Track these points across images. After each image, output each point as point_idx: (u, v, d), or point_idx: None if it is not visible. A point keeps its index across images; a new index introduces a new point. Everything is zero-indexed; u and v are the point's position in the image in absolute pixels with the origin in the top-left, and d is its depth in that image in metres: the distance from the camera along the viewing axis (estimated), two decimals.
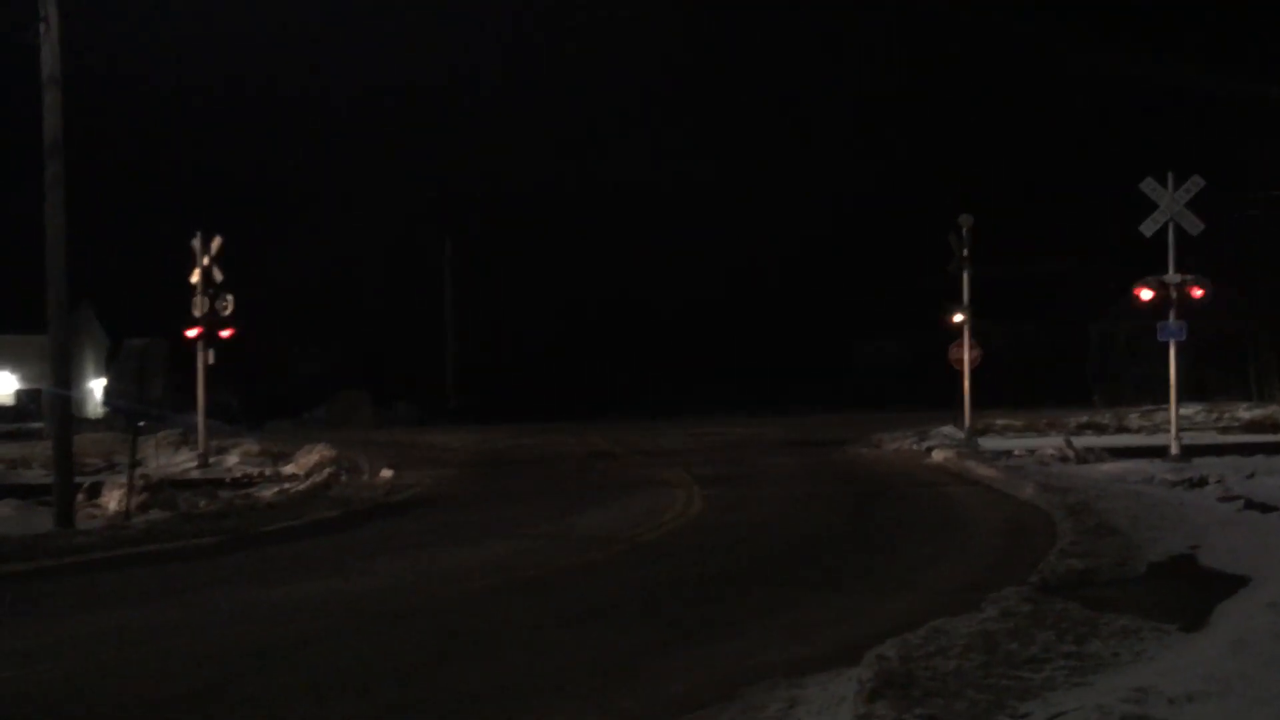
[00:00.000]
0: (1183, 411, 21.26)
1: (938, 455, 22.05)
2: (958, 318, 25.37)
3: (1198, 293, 19.28)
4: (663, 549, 12.08)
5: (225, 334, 23.10)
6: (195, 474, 21.28)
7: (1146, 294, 19.34)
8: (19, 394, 47.55)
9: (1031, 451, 21.23)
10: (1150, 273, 19.49)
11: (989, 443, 23.97)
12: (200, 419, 23.33)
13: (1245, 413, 29.65)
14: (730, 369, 55.29)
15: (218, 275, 22.86)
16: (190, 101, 77.39)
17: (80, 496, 15.31)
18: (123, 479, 15.65)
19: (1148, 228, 19.15)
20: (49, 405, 14.40)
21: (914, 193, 55.85)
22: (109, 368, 59.20)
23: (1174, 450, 19.33)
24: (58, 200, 13.70)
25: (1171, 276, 19.14)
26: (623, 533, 13.19)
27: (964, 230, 24.44)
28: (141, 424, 16.19)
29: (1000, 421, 28.85)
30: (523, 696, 6.51)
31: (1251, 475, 15.54)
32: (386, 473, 20.50)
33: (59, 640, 8.25)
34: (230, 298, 22.82)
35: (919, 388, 41.04)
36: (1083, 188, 55.11)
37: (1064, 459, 19.81)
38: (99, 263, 42.51)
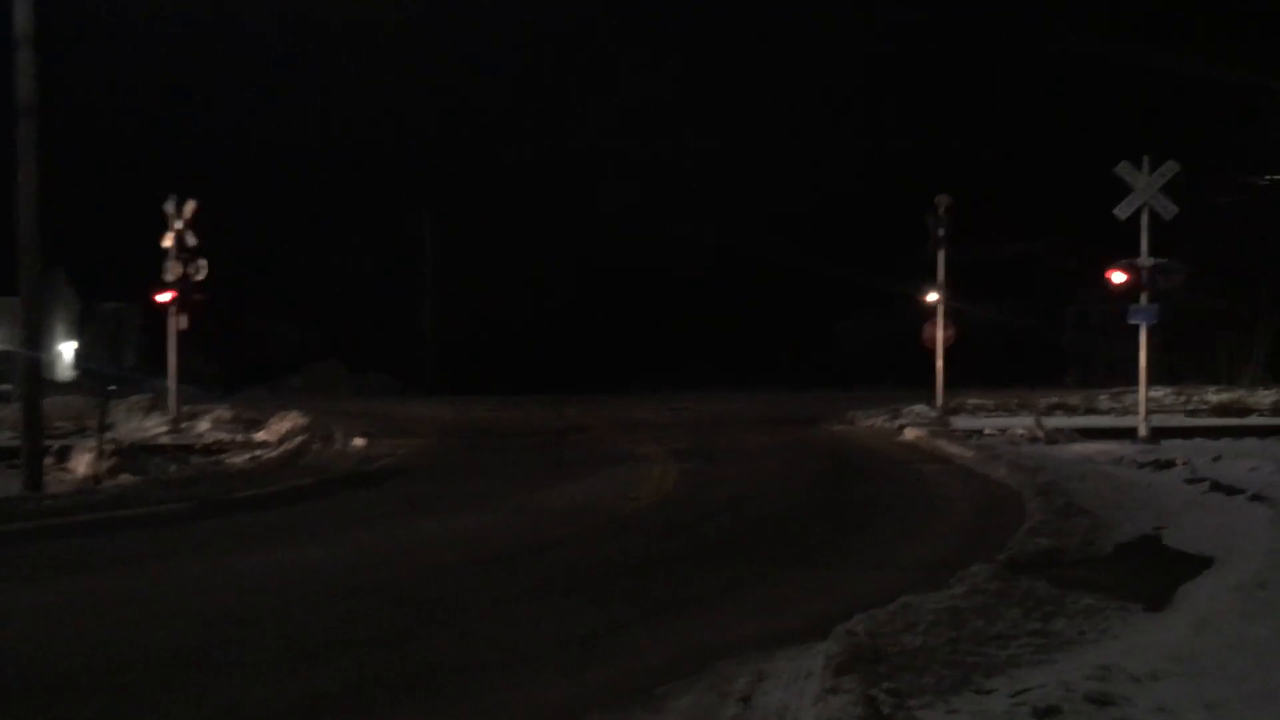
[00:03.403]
0: (1152, 394, 21.47)
1: (910, 433, 22.19)
2: (932, 297, 25.51)
3: (1171, 277, 19.44)
4: (637, 523, 12.12)
5: (199, 299, 22.90)
6: (166, 439, 21.11)
7: (1119, 277, 19.47)
8: None
9: (1002, 431, 21.40)
10: (1124, 255, 19.63)
11: (961, 422, 24.15)
12: (172, 384, 23.16)
13: (1214, 396, 29.99)
14: (708, 345, 55.39)
15: (191, 240, 22.62)
16: (166, 62, 76.37)
17: (49, 460, 15.19)
18: (93, 443, 15.54)
19: (1122, 210, 19.27)
20: (19, 368, 14.24)
21: (892, 173, 55.88)
22: (80, 331, 58.72)
23: (1142, 432, 19.53)
24: (30, 163, 13.49)
25: (1145, 260, 19.28)
26: (597, 506, 13.22)
27: (940, 210, 24.54)
28: (112, 388, 16.08)
29: (972, 401, 29.06)
30: (494, 668, 6.53)
31: (1218, 458, 15.71)
32: (360, 442, 20.44)
33: (26, 605, 8.22)
34: (204, 263, 22.61)
35: (894, 366, 41.26)
36: (1058, 170, 55.33)
37: (1034, 439, 19.98)
38: (71, 225, 41.99)
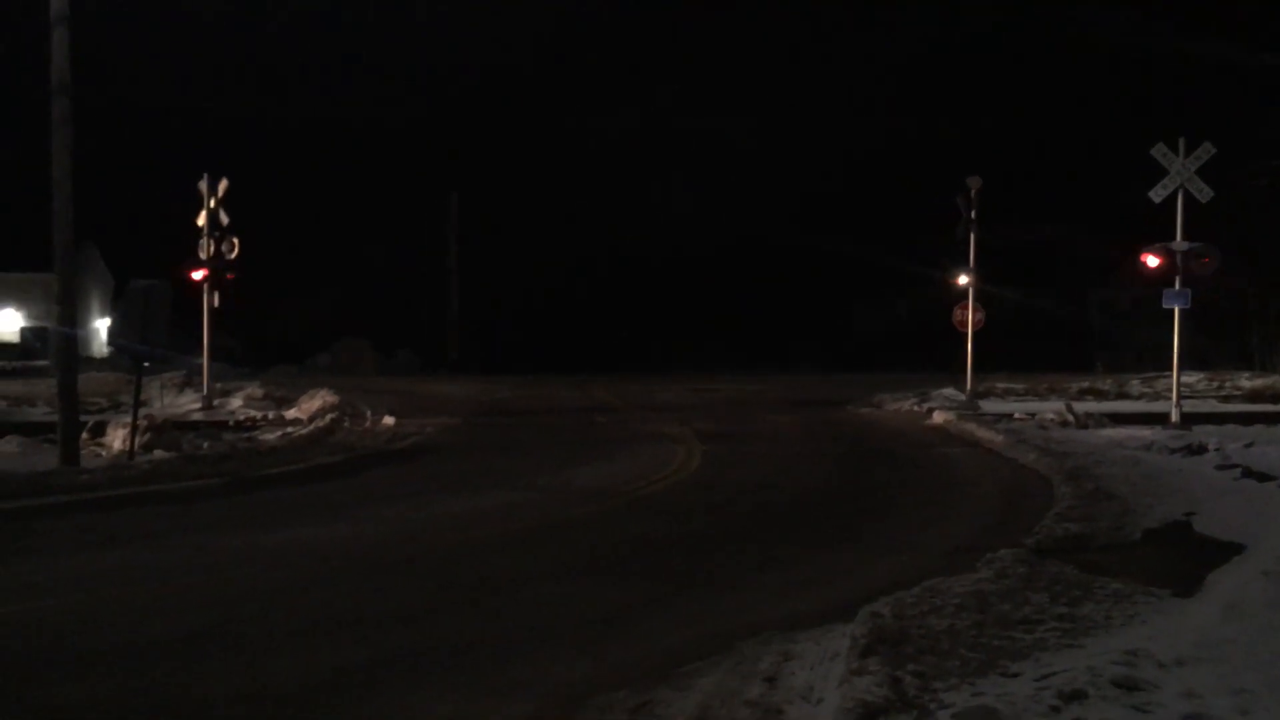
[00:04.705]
0: (1184, 379, 21.26)
1: (938, 417, 22.08)
2: (962, 280, 25.35)
3: (1205, 261, 19.22)
4: (661, 504, 12.15)
5: (231, 277, 23.05)
6: (199, 416, 21.35)
7: (1153, 261, 19.27)
8: (24, 332, 47.63)
9: (1032, 415, 21.26)
10: (1155, 240, 19.42)
11: (990, 405, 24.00)
12: (205, 361, 23.37)
13: (1246, 382, 29.63)
14: (734, 327, 55.32)
15: (224, 218, 22.78)
16: (200, 42, 76.76)
17: (85, 435, 15.39)
18: (127, 419, 15.71)
19: (1157, 194, 19.06)
20: (54, 344, 14.41)
21: (921, 153, 55.48)
22: (114, 308, 59.26)
23: (1174, 417, 19.36)
24: (65, 139, 13.64)
25: (1179, 244, 19.07)
26: (622, 486, 13.26)
27: (971, 192, 24.34)
28: (146, 365, 16.21)
29: (1001, 385, 28.87)
30: (519, 646, 6.57)
31: (1250, 444, 15.57)
32: (388, 420, 20.58)
33: (63, 577, 8.35)
34: (236, 241, 22.75)
35: (922, 349, 41.07)
36: (1089, 154, 54.77)
37: (1064, 423, 19.84)
38: (105, 202, 42.37)
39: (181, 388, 25.50)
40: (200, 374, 23.87)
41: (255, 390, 25.42)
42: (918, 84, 72.60)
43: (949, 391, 25.74)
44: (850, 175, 59.67)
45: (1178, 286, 19.17)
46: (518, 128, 70.34)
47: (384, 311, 55.00)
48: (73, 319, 14.33)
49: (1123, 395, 27.69)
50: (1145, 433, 17.70)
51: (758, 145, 70.69)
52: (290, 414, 21.78)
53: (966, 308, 25.21)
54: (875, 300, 58.51)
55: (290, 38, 79.33)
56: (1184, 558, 8.59)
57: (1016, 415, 21.56)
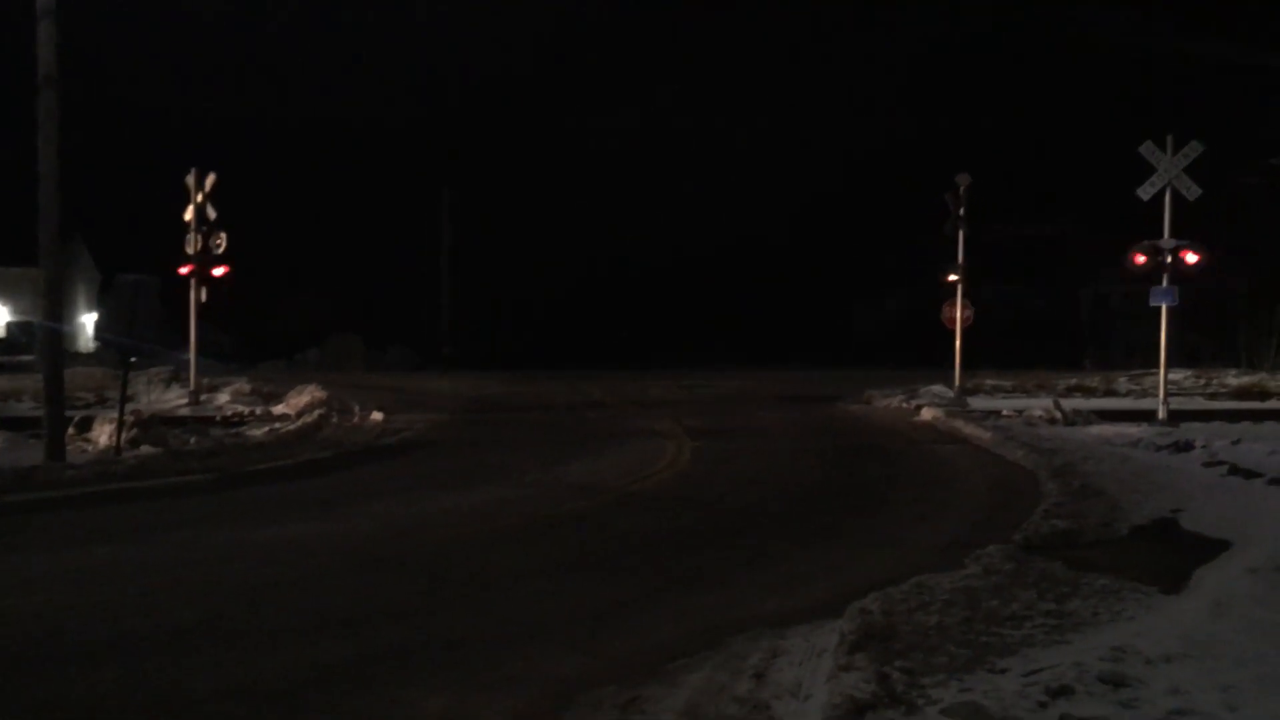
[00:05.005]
0: (1171, 377, 21.35)
1: (926, 413, 22.13)
2: (951, 277, 25.41)
3: (1192, 258, 19.28)
4: (651, 500, 12.16)
5: (218, 272, 22.96)
6: (186, 411, 21.27)
7: (1141, 258, 19.33)
8: (10, 326, 47.36)
9: (1020, 412, 21.32)
10: (1146, 238, 19.48)
11: (978, 402, 24.07)
12: (192, 357, 23.28)
13: (1234, 379, 29.78)
14: (727, 324, 55.31)
15: (211, 213, 22.68)
16: (189, 36, 76.37)
17: (71, 430, 15.32)
18: (113, 414, 15.65)
19: (1145, 191, 19.12)
20: (41, 338, 14.34)
21: (920, 153, 55.51)
22: (101, 302, 59.02)
23: (1161, 415, 19.45)
24: (51, 133, 13.57)
25: (1166, 241, 19.13)
26: (612, 482, 13.26)
27: (960, 189, 24.40)
28: (133, 359, 16.16)
29: (990, 381, 28.96)
30: (509, 642, 6.57)
31: (1237, 441, 15.63)
32: (377, 415, 20.54)
33: (50, 573, 8.32)
34: (224, 235, 22.65)
35: (914, 346, 41.17)
36: (1082, 152, 54.88)
37: (1052, 420, 19.91)
38: (92, 196, 42.15)
39: (168, 383, 25.39)
40: (187, 369, 23.78)
41: (243, 386, 25.34)
42: (918, 84, 72.58)
43: (938, 388, 25.80)
44: (850, 175, 59.61)
45: (1164, 284, 19.24)
46: (517, 127, 70.18)
47: (380, 309, 54.90)
48: (59, 313, 14.26)
49: (1110, 392, 27.81)
50: (1133, 430, 17.77)
51: (758, 145, 70.74)
52: (278, 409, 21.72)
53: (954, 305, 25.28)
54: (874, 299, 58.57)
55: (289, 37, 78.99)
56: (1171, 554, 8.63)
57: (1004, 412, 21.62)
